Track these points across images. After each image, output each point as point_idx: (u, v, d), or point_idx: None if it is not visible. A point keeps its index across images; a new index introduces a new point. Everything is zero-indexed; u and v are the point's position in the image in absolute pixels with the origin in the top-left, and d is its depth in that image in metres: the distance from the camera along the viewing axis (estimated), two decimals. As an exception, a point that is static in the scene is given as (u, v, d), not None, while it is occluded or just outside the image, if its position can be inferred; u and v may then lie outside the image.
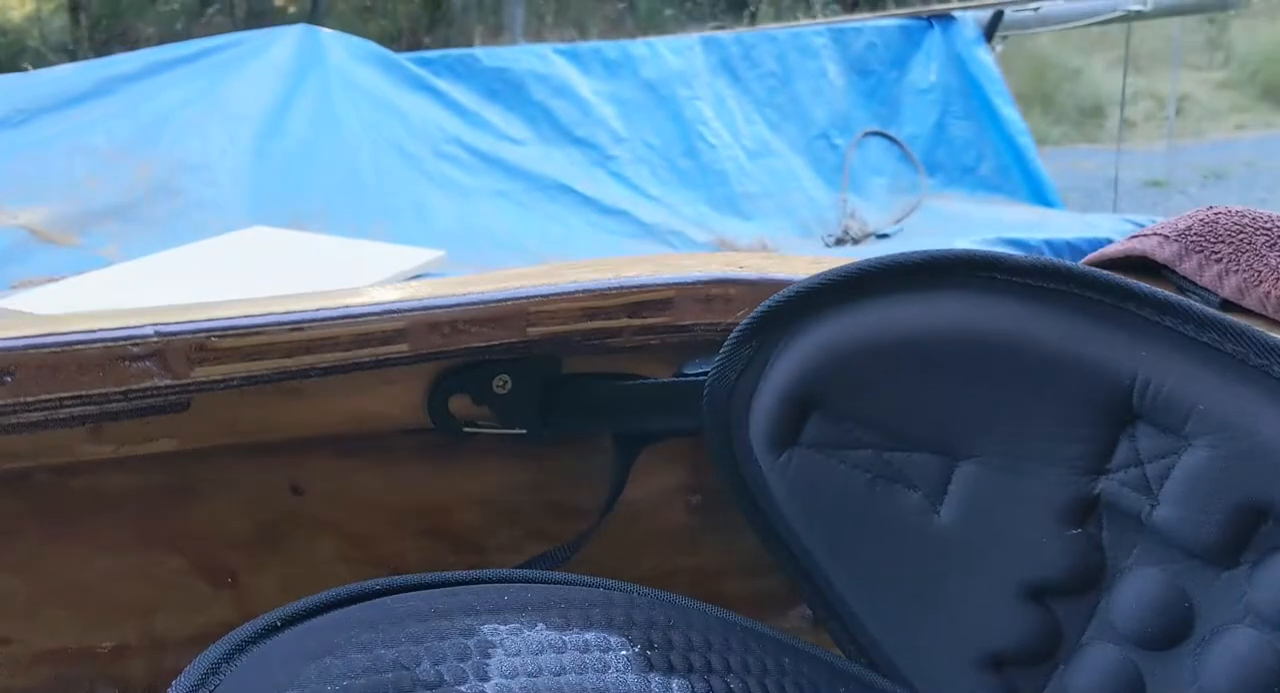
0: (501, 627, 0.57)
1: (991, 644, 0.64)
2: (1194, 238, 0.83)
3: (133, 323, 0.59)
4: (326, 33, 2.91)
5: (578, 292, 0.69)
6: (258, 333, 0.61)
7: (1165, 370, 0.58)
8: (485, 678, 0.53)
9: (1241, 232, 0.81)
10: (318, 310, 0.63)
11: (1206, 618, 0.58)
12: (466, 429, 0.74)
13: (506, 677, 0.54)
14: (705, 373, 0.70)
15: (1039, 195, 3.32)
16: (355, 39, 2.96)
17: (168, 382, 0.60)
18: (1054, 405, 0.61)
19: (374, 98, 2.85)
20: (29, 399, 0.59)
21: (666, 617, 0.62)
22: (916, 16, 3.47)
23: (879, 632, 0.69)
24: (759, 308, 0.66)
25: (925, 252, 0.63)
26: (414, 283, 0.68)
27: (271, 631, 0.55)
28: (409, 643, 0.54)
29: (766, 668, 0.62)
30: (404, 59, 2.97)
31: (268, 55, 2.79)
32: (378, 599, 0.58)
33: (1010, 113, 3.38)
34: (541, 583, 0.61)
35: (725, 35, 3.31)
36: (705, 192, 3.07)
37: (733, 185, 3.11)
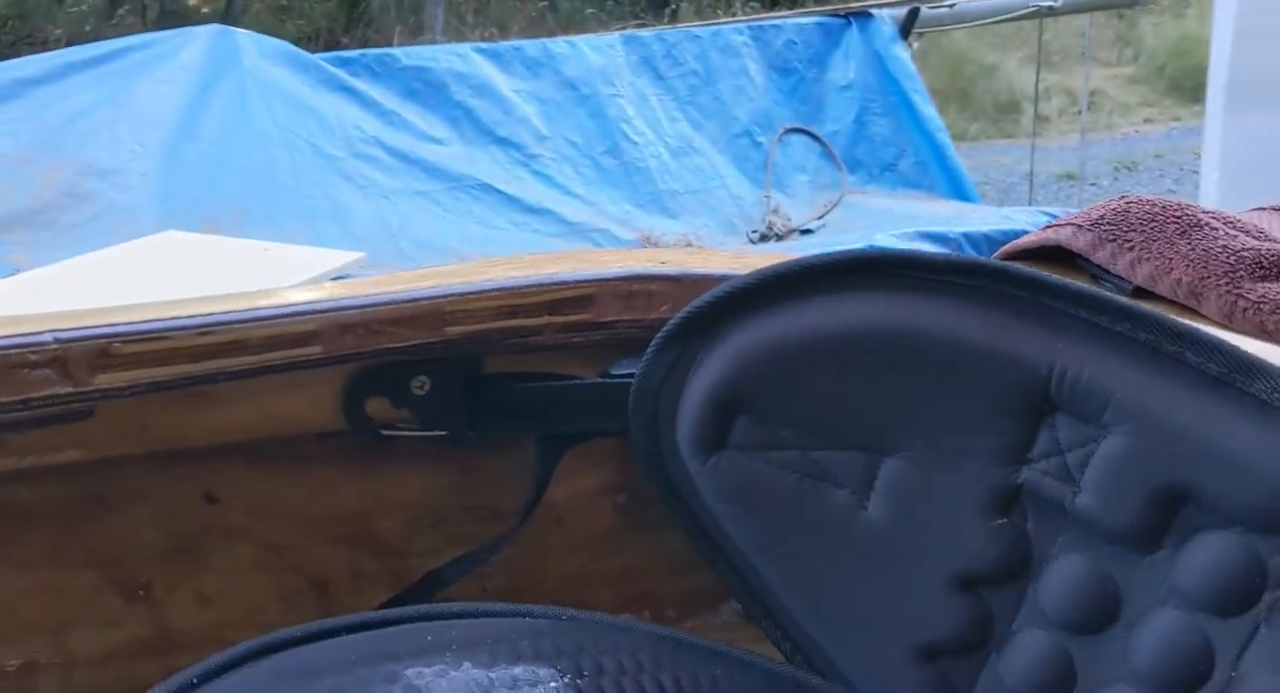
0: (426, 670, 0.56)
1: (925, 636, 0.65)
2: (1107, 227, 0.84)
3: (31, 330, 0.57)
4: (240, 33, 2.86)
5: (495, 290, 0.68)
6: (162, 338, 0.60)
7: (1082, 361, 0.59)
8: None
9: (1153, 220, 0.83)
10: (226, 313, 0.61)
11: (1132, 601, 0.59)
12: (385, 432, 0.72)
13: None
14: (631, 375, 0.70)
15: (957, 190, 3.37)
16: (270, 39, 2.91)
17: (69, 389, 0.58)
18: (974, 399, 0.62)
19: (290, 99, 2.79)
20: None
21: (595, 641, 0.62)
22: (835, 14, 3.50)
23: (814, 629, 0.69)
24: (679, 314, 0.66)
25: (839, 253, 0.64)
26: (328, 284, 0.66)
27: (188, 689, 0.53)
28: None
29: (699, 683, 0.62)
30: (321, 59, 2.93)
31: (180, 57, 2.73)
32: (297, 648, 0.56)
33: (928, 110, 3.42)
34: (468, 618, 0.61)
35: (647, 33, 3.31)
36: (629, 190, 3.07)
37: (657, 183, 3.11)
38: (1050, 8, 3.79)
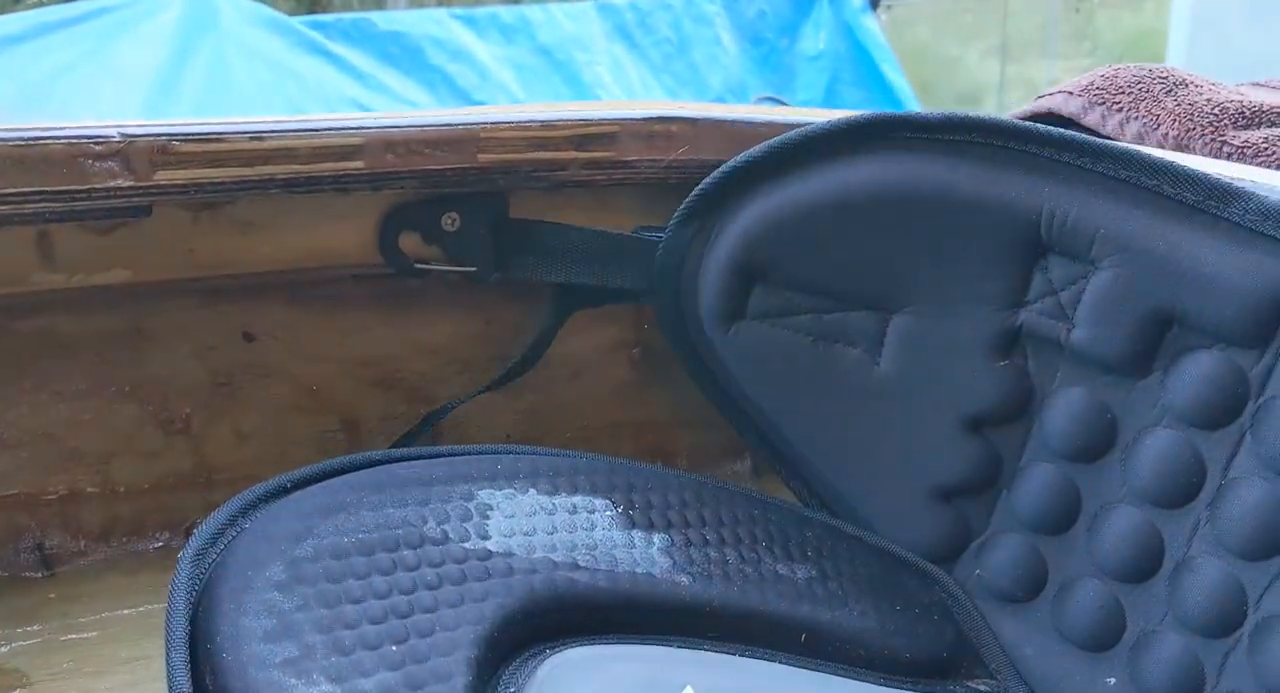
0: (497, 492, 0.61)
1: (939, 477, 0.70)
2: (1096, 91, 0.89)
3: (98, 124, 0.60)
4: (219, -6, 2.86)
5: (527, 121, 0.71)
6: (218, 140, 0.62)
7: (1068, 203, 0.63)
8: (486, 537, 0.58)
9: (1140, 82, 0.87)
10: (277, 121, 0.64)
11: (1128, 425, 0.63)
12: (418, 266, 0.75)
13: (505, 536, 0.59)
14: (649, 231, 0.74)
15: (927, 158, 3.42)
16: (247, 2, 2.91)
17: (130, 183, 0.60)
18: (970, 249, 0.66)
19: (269, 60, 2.80)
20: None
21: (645, 480, 0.67)
22: (805, -14, 3.54)
23: (835, 479, 0.73)
24: (695, 191, 0.70)
25: (841, 119, 0.68)
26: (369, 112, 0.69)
27: (282, 491, 0.58)
28: (415, 504, 0.58)
29: (738, 519, 0.67)
30: (298, 23, 2.94)
31: (158, 17, 2.73)
32: (381, 466, 0.62)
33: (898, 79, 3.47)
34: (530, 455, 0.66)
35: (620, 2, 3.34)
36: (605, 155, 3.09)
37: (632, 148, 3.13)
38: (1015, -17, 3.84)
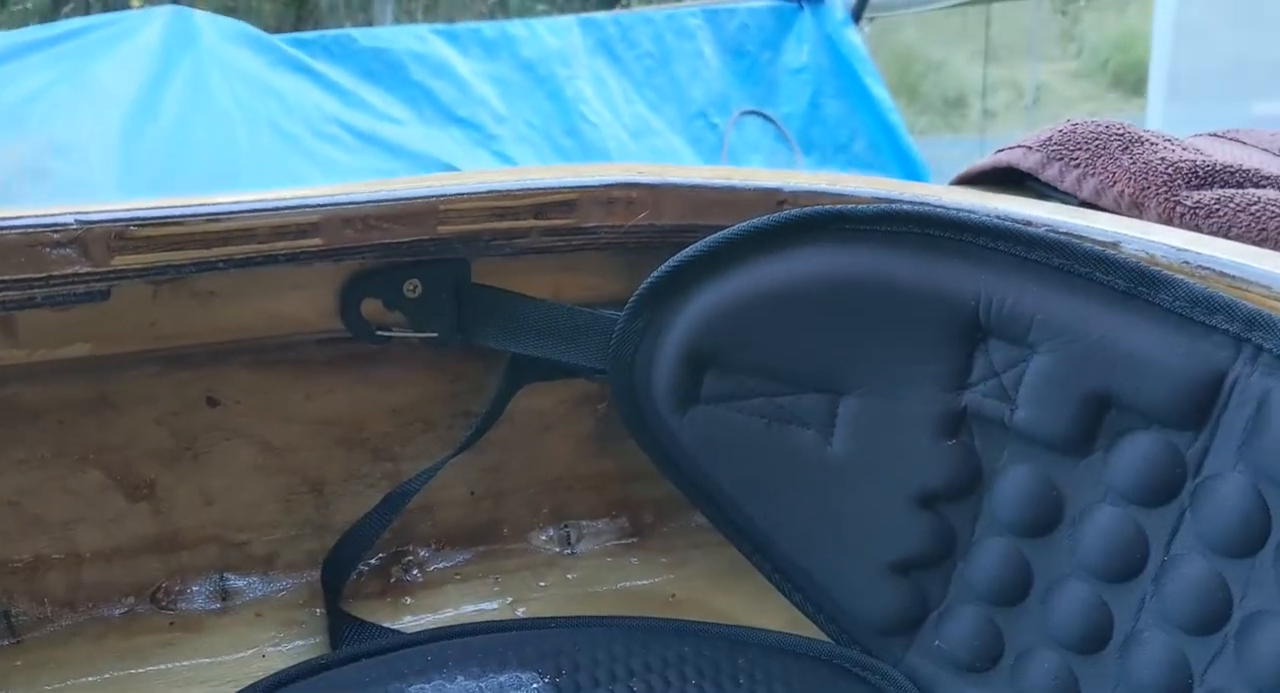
0: (426, 686, 0.67)
1: (897, 553, 0.72)
2: (1054, 147, 0.90)
3: (54, 212, 0.60)
4: (198, 14, 2.86)
5: (486, 192, 0.71)
6: (176, 223, 0.63)
7: (1005, 290, 0.66)
8: None
9: (1097, 138, 0.88)
10: (234, 202, 0.64)
11: (1074, 501, 0.66)
12: (379, 332, 0.76)
13: None
14: (609, 313, 0.76)
15: (910, 171, 3.43)
16: (228, 20, 2.91)
17: (88, 269, 0.61)
18: (913, 334, 0.69)
19: (249, 78, 2.80)
20: None
21: (573, 642, 0.72)
22: (786, -2, 3.55)
23: (795, 555, 0.76)
24: (643, 284, 0.73)
25: (780, 215, 0.71)
26: (327, 186, 0.70)
27: None
28: None
29: (667, 661, 0.71)
30: (279, 40, 2.93)
31: (138, 36, 2.73)
32: (323, 674, 0.70)
33: (880, 92, 3.48)
34: (461, 639, 0.73)
35: (602, 16, 3.34)
36: (588, 170, 3.09)
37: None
38: (996, -7, 3.86)
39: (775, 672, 0.73)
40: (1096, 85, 8.84)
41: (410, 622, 0.81)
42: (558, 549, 0.87)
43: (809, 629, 0.78)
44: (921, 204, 0.69)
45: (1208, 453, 0.60)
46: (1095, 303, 0.63)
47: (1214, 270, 0.62)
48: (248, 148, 2.72)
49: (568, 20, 3.28)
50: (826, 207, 0.70)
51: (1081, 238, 0.66)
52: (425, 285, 0.75)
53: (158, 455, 0.76)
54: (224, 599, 0.79)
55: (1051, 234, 0.65)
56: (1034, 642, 0.68)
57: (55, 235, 0.60)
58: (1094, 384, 0.63)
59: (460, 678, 0.67)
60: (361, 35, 3.02)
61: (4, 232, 0.59)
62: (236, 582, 0.79)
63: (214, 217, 0.63)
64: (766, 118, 3.43)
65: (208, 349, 0.74)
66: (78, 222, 0.60)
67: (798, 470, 0.73)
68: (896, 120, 3.51)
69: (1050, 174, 0.90)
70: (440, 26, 3.10)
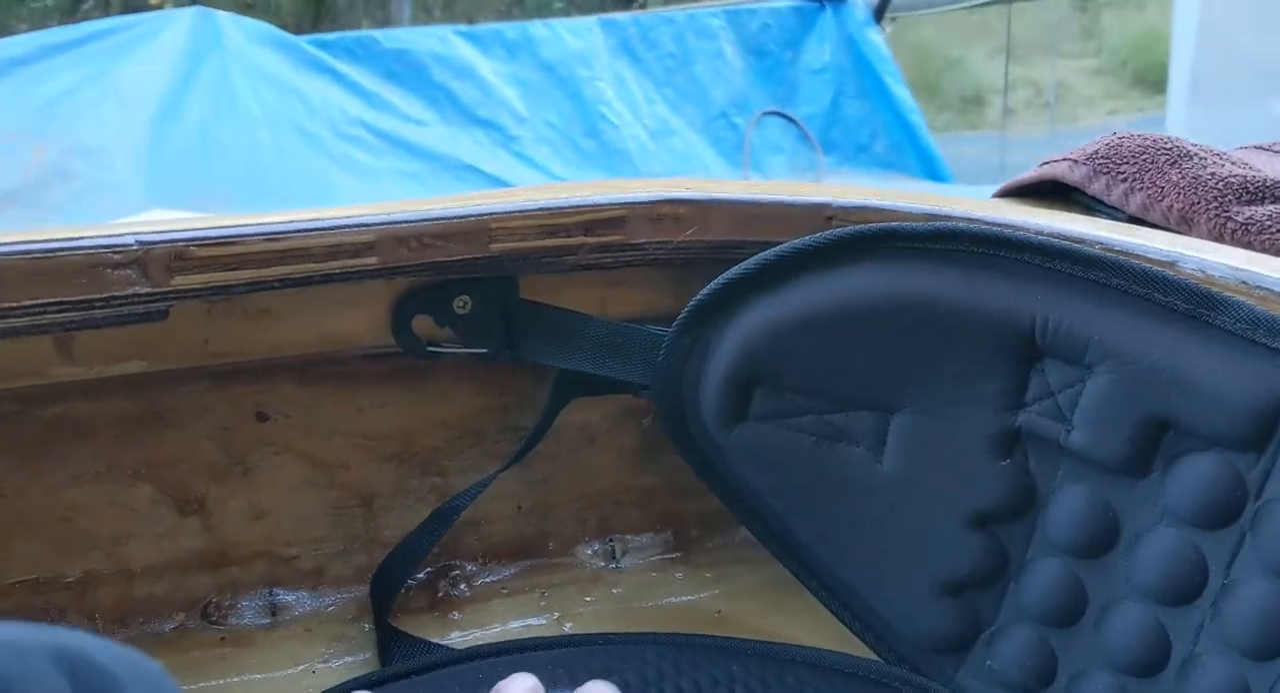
0: None
1: (948, 573, 0.71)
2: (1101, 161, 0.89)
3: (114, 232, 0.61)
4: (222, 15, 2.87)
5: (537, 209, 0.71)
6: (234, 243, 0.63)
7: (1061, 310, 0.65)
8: None
9: (1144, 153, 0.88)
10: (291, 222, 0.64)
11: (1130, 524, 0.65)
12: (430, 348, 0.76)
13: None
14: (655, 329, 0.75)
15: (931, 171, 3.43)
16: (251, 21, 2.92)
17: (148, 289, 0.61)
18: (966, 354, 0.68)
19: (273, 80, 2.81)
20: (13, 305, 0.59)
21: (623, 660, 0.72)
22: (808, -2, 3.55)
23: (845, 575, 0.75)
24: (690, 304, 0.73)
25: (830, 233, 0.70)
26: (380, 203, 0.70)
27: None
28: None
29: (717, 680, 0.71)
30: (302, 41, 2.94)
31: (162, 38, 2.74)
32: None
33: (901, 92, 3.48)
34: (517, 653, 0.74)
35: (623, 17, 3.35)
36: (609, 171, 3.11)
37: (636, 164, 3.15)
38: (1018, -7, 3.85)
39: (824, 691, 0.73)
40: (1117, 83, 8.80)
41: (458, 637, 0.81)
42: (603, 564, 0.87)
43: (856, 647, 0.77)
44: (975, 221, 0.69)
45: (1269, 476, 0.59)
46: (1154, 324, 0.62)
47: (1272, 291, 0.62)
48: (272, 149, 2.73)
49: (589, 21, 3.29)
50: (878, 224, 0.69)
51: (1138, 256, 0.65)
52: (475, 302, 0.75)
53: (209, 470, 0.76)
54: (274, 614, 0.79)
55: (1108, 254, 0.64)
56: (1088, 664, 0.67)
57: (116, 256, 0.60)
58: (1152, 406, 0.62)
59: None
60: (384, 37, 3.03)
61: (66, 253, 0.59)
62: (286, 597, 0.80)
63: (271, 236, 0.63)
64: (788, 118, 3.43)
65: (258, 364, 0.74)
66: (138, 242, 0.60)
67: (847, 488, 0.73)
68: (918, 120, 3.50)
69: (1097, 188, 0.89)
70: (462, 28, 3.11)
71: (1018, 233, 0.66)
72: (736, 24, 3.39)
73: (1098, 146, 0.91)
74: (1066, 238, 0.66)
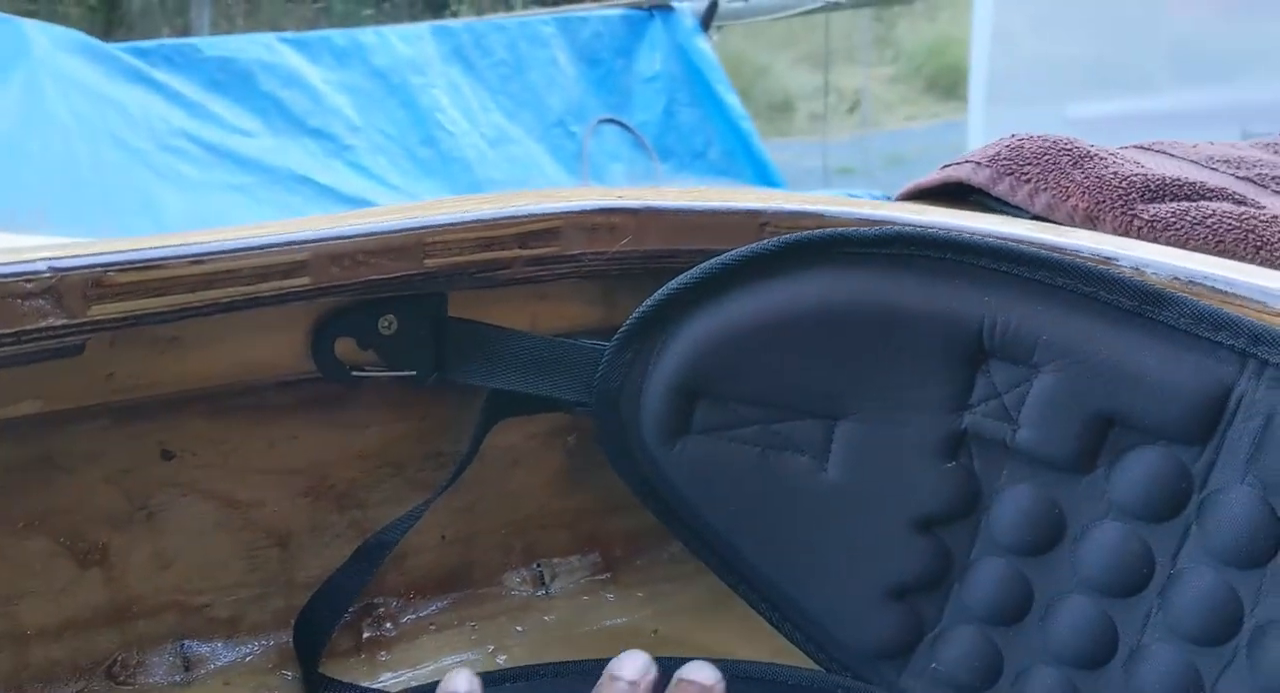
0: None
1: (892, 578, 0.70)
2: (1004, 162, 0.91)
3: (24, 258, 0.54)
4: (28, 22, 2.68)
5: (473, 221, 0.68)
6: (158, 266, 0.57)
7: (1008, 311, 0.65)
8: None
9: (1046, 153, 0.90)
10: (219, 242, 0.59)
11: (1076, 519, 0.65)
12: (355, 373, 0.71)
13: None
14: (591, 343, 0.73)
15: (764, 177, 3.49)
16: (60, 28, 2.74)
17: (63, 321, 0.55)
18: (914, 358, 0.68)
19: (87, 90, 2.64)
20: None
21: (568, 691, 0.69)
22: (637, 6, 3.56)
23: (787, 586, 0.74)
24: (631, 317, 0.70)
25: (779, 240, 0.69)
26: (307, 218, 0.65)
27: None
28: None
29: None
30: (117, 49, 2.77)
31: (-40, 47, 2.54)
32: None
33: (732, 99, 3.54)
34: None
35: (455, 24, 3.29)
36: (448, 179, 3.04)
37: (475, 173, 3.09)
38: (836, 2, 3.97)
39: None
40: (913, 89, 9.19)
41: (390, 680, 0.76)
42: (532, 591, 0.84)
43: (797, 658, 0.76)
44: (925, 226, 0.68)
45: (1213, 467, 0.61)
46: (1100, 322, 0.63)
47: (1206, 287, 0.64)
48: (89, 162, 2.56)
49: (419, 28, 3.22)
50: (828, 231, 0.68)
51: (1075, 255, 0.66)
52: (401, 321, 0.71)
53: (109, 517, 0.70)
54: (187, 668, 0.72)
55: (1055, 254, 0.65)
56: (1034, 659, 0.68)
57: (28, 285, 0.53)
58: (1099, 402, 0.63)
59: None
60: (205, 44, 2.89)
61: None
62: (200, 649, 0.73)
63: (197, 258, 0.58)
64: (623, 126, 3.44)
65: (163, 399, 0.68)
66: (51, 269, 0.54)
67: (790, 498, 0.71)
68: (749, 127, 3.56)
69: (1001, 189, 0.91)
70: (288, 34, 3.00)
71: (968, 236, 0.66)
72: (568, 32, 3.37)
73: (999, 149, 0.92)
74: (1006, 240, 0.67)
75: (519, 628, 0.81)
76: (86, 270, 0.55)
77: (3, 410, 0.62)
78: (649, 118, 3.41)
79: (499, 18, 3.43)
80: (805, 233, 0.68)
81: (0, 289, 0.53)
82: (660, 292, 0.70)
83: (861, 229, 0.68)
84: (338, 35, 3.05)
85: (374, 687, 0.74)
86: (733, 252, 0.69)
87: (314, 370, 0.70)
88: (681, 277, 0.69)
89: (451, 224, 0.67)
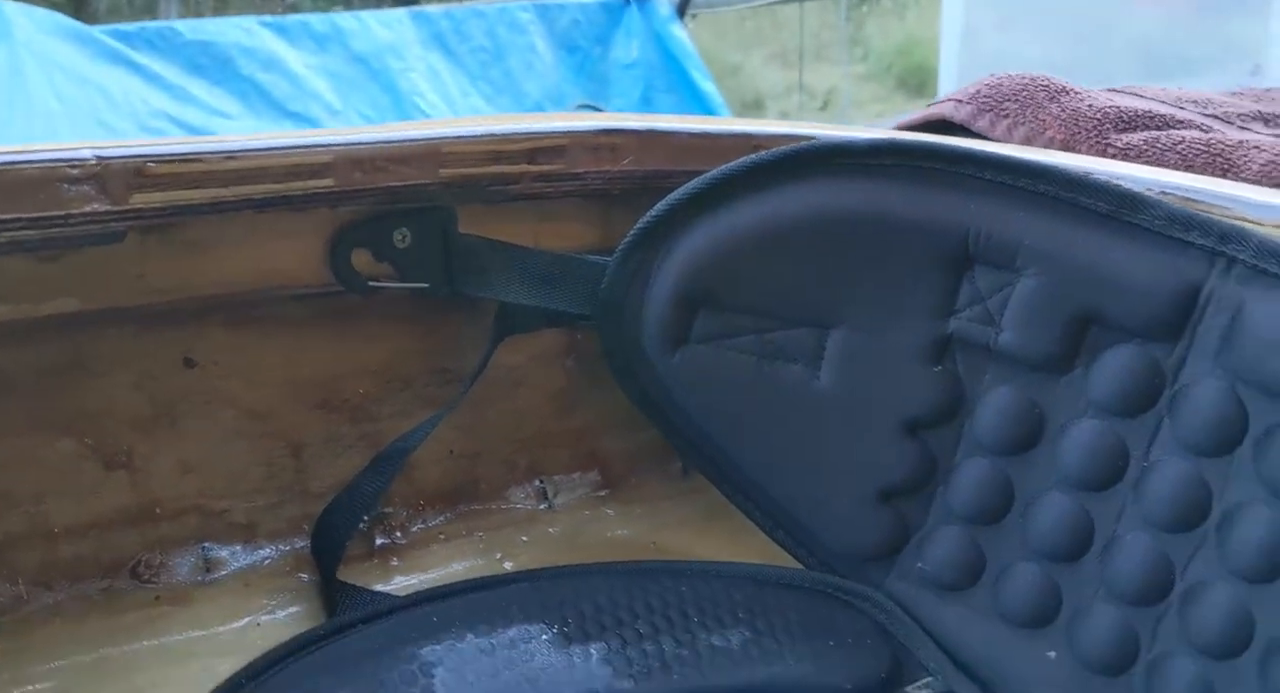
0: (438, 646, 0.66)
1: (879, 481, 0.74)
2: (984, 99, 0.95)
3: (71, 146, 0.57)
4: (9, 4, 2.68)
5: (486, 135, 0.71)
6: (195, 160, 0.60)
7: (993, 218, 0.68)
8: None
9: (1024, 90, 0.94)
10: (251, 141, 0.62)
11: (1054, 418, 0.68)
12: (371, 284, 0.74)
13: (452, 690, 0.63)
14: (596, 258, 0.76)
15: (740, 163, 3.52)
16: (42, 11, 2.74)
17: (106, 208, 0.58)
18: (903, 266, 0.71)
19: (70, 72, 2.64)
20: None
21: (575, 591, 0.72)
22: (613, -5, 3.59)
23: (779, 493, 0.77)
24: (636, 226, 0.73)
25: (781, 149, 0.72)
26: (331, 128, 0.68)
27: (237, 688, 0.63)
28: (366, 680, 0.63)
29: (668, 602, 0.72)
30: (99, 32, 2.78)
31: (-60, 27, 2.54)
32: (331, 643, 0.68)
33: (708, 86, 3.56)
34: (462, 596, 0.73)
35: (434, 10, 3.31)
36: (428, 164, 3.05)
37: (455, 157, 3.10)
38: (810, -8, 4.00)
39: (771, 603, 0.74)
40: (882, 87, 9.22)
41: (402, 583, 0.79)
42: (536, 505, 0.87)
43: (789, 565, 0.80)
44: (916, 138, 0.72)
45: (1185, 362, 0.64)
46: (1079, 226, 0.66)
47: (1177, 196, 0.67)
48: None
49: (399, 13, 3.23)
50: (822, 141, 0.71)
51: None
52: (414, 235, 0.74)
53: (134, 422, 0.72)
54: (208, 570, 0.75)
55: (1038, 161, 0.68)
56: (1015, 556, 0.71)
57: (73, 171, 0.56)
58: (1078, 303, 0.66)
59: (470, 636, 0.66)
60: (186, 28, 2.90)
61: (22, 167, 0.55)
62: (220, 552, 0.76)
63: (231, 154, 0.61)
64: (601, 111, 3.46)
65: (187, 306, 0.71)
66: (96, 157, 0.57)
67: (784, 406, 0.74)
68: (725, 115, 3.59)
69: (982, 125, 0.95)
70: (269, 18, 3.01)
71: (956, 145, 0.69)
72: (547, 18, 3.40)
73: (978, 87, 0.96)
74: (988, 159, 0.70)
75: (524, 538, 0.84)
76: (129, 160, 0.58)
77: (43, 306, 0.65)
78: (626, 104, 3.44)
79: (478, 4, 3.45)
80: (803, 144, 0.71)
81: (48, 173, 0.56)
82: (663, 202, 0.72)
83: (860, 138, 0.71)
84: (317, 20, 3.06)
85: (386, 590, 0.77)
86: (734, 162, 0.72)
87: (331, 282, 0.73)
88: (683, 187, 0.72)
89: (466, 136, 0.70)
